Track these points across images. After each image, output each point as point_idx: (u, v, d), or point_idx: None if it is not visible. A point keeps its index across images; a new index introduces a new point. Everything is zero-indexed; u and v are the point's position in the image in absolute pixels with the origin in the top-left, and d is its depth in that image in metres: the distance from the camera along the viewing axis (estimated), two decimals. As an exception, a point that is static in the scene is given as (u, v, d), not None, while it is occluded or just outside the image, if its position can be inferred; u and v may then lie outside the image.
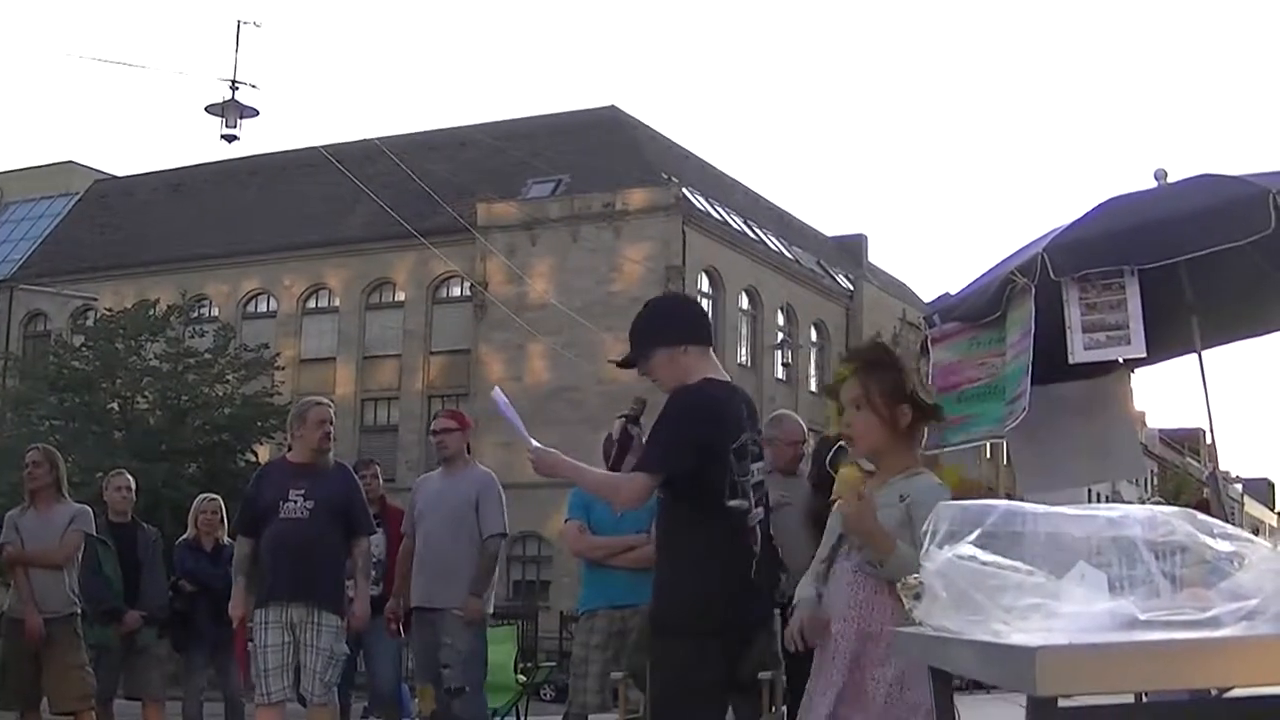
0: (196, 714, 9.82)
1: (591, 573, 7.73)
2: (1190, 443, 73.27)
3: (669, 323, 5.00)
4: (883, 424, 4.11)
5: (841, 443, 6.78)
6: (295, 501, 7.42)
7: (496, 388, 5.39)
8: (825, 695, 4.18)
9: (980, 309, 6.02)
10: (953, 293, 6.59)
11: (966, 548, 2.56)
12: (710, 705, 4.83)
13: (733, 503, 4.70)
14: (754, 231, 47.61)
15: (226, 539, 9.71)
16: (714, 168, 51.74)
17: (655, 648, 4.85)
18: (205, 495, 10.48)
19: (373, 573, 8.33)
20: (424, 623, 8.10)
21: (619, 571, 7.45)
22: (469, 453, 8.46)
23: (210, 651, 9.72)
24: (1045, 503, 2.75)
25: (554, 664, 19.08)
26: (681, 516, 4.77)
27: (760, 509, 4.87)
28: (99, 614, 9.11)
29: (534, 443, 4.72)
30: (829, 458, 6.71)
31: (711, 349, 5.00)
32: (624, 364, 5.01)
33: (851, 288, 51.90)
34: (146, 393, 35.31)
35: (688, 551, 4.74)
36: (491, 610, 8.44)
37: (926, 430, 6.22)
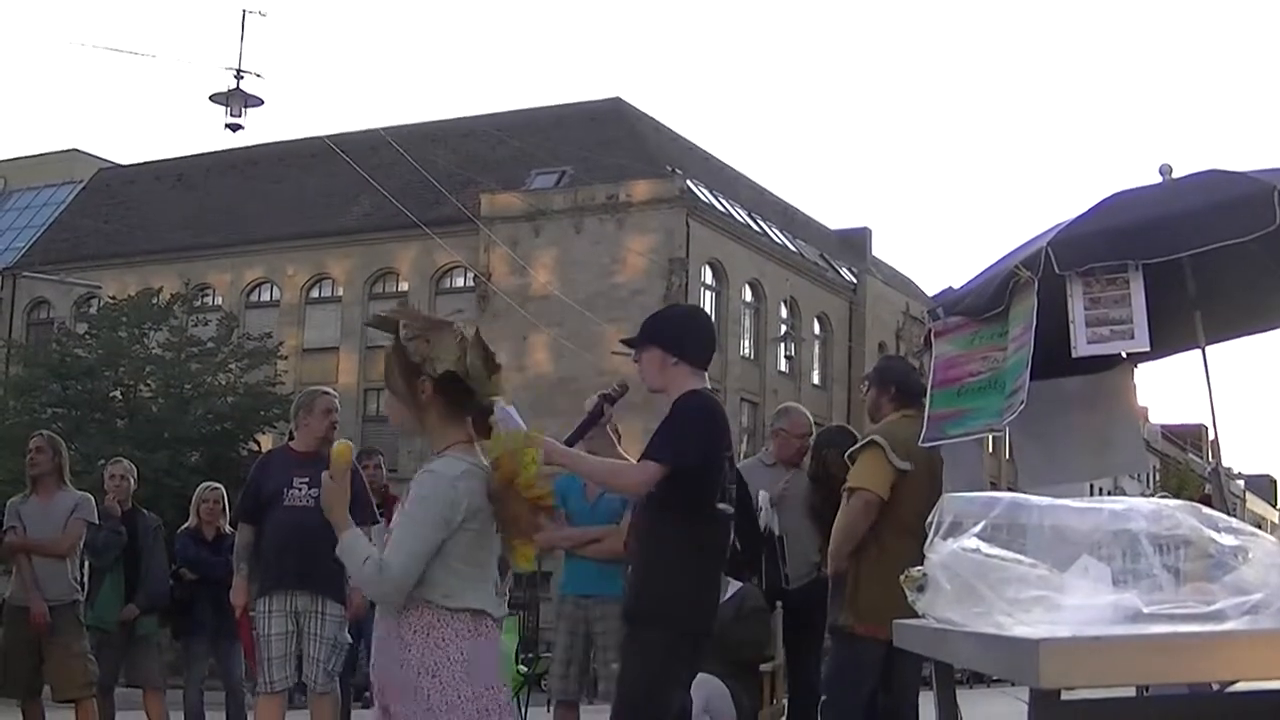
0: (197, 702, 9.82)
1: (566, 561, 7.82)
2: (1193, 438, 73.31)
3: (677, 331, 5.15)
4: (403, 402, 3.87)
5: (871, 437, 6.78)
6: (300, 490, 7.41)
7: (508, 404, 5.38)
8: None
9: (984, 303, 6.02)
10: (957, 287, 6.58)
11: (970, 540, 2.56)
12: (676, 695, 4.97)
13: (721, 506, 4.90)
14: (758, 224, 47.54)
15: (228, 528, 9.70)
16: (718, 160, 51.65)
17: (632, 637, 4.94)
18: (207, 484, 10.47)
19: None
20: None
21: (587, 562, 7.57)
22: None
23: (211, 640, 9.72)
24: (1047, 496, 2.75)
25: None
26: (671, 514, 4.90)
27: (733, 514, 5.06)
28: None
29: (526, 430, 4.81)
30: (848, 451, 6.72)
31: (705, 374, 5.14)
32: (626, 342, 5.21)
33: (855, 281, 51.82)
34: (149, 381, 35.29)
35: (674, 549, 4.89)
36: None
37: (926, 423, 6.24)
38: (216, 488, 10.23)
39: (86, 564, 8.82)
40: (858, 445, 6.66)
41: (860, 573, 6.52)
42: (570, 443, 5.05)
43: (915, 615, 2.93)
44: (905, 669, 6.36)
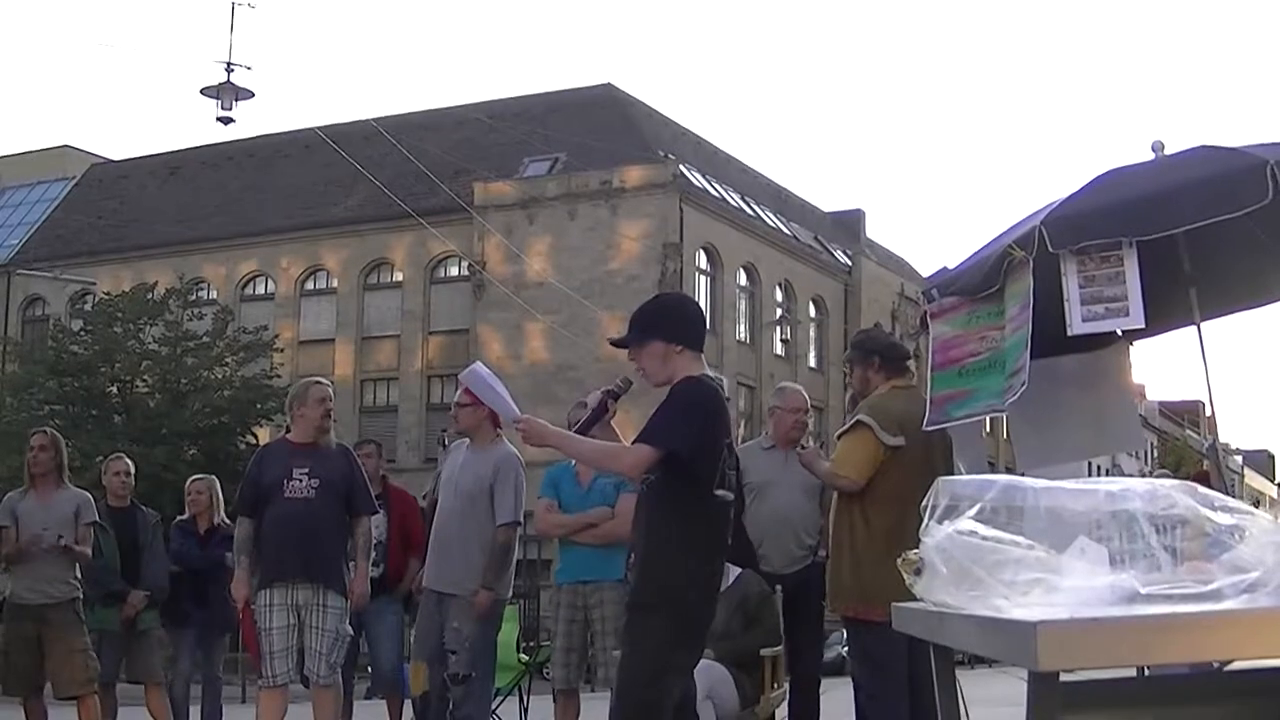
0: (183, 695, 9.80)
1: (562, 549, 7.79)
2: (1190, 415, 73.41)
3: (672, 320, 5.17)
4: None
5: (859, 417, 6.77)
6: (300, 481, 7.38)
7: (477, 362, 5.41)
8: None
9: (979, 283, 6.01)
10: (951, 267, 6.57)
11: (966, 522, 2.56)
12: (678, 682, 4.97)
13: (719, 492, 4.89)
14: (751, 208, 47.53)
15: (221, 520, 9.69)
16: (711, 144, 51.62)
17: (633, 623, 4.95)
18: (196, 476, 10.46)
19: (373, 554, 8.29)
20: (430, 603, 7.78)
21: (583, 548, 7.55)
22: (497, 426, 7.62)
23: (197, 633, 9.68)
24: (1045, 476, 2.75)
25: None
26: (671, 501, 4.92)
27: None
28: (102, 597, 9.10)
29: (519, 413, 4.85)
30: (837, 432, 6.71)
31: (702, 355, 5.14)
32: (618, 343, 5.19)
33: (850, 263, 51.82)
34: (145, 376, 35.29)
35: (674, 536, 4.89)
36: (510, 595, 7.98)
37: (929, 406, 6.24)
38: (202, 479, 10.16)
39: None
40: (845, 426, 6.65)
41: (856, 551, 6.50)
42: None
43: (908, 592, 2.93)
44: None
